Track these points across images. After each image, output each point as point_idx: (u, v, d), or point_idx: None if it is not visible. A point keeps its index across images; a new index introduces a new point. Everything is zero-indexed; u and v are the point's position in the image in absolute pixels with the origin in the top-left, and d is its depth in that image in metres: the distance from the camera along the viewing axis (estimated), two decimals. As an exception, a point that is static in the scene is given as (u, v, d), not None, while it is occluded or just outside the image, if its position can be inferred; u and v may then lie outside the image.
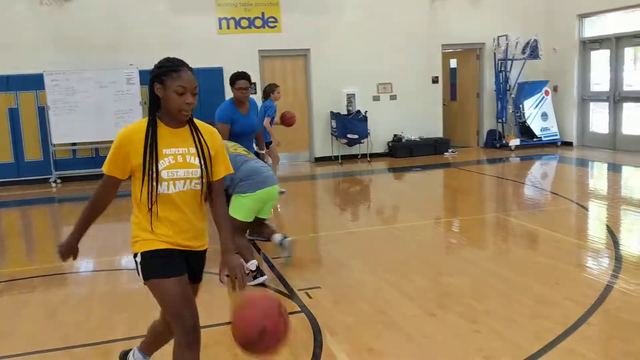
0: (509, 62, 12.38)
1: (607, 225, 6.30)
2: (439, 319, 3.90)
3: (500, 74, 12.59)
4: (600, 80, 12.10)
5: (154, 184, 2.45)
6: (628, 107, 11.45)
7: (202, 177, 2.53)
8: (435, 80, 12.62)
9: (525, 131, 12.58)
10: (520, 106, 12.50)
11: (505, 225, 6.67)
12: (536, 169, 11.07)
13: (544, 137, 12.50)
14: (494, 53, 12.62)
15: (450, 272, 5.00)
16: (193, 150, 2.52)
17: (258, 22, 11.50)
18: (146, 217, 2.50)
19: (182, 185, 2.50)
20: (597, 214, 6.98)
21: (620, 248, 5.34)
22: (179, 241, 2.55)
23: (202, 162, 2.53)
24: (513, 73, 12.50)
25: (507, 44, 12.26)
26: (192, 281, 2.65)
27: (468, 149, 12.96)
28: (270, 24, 11.55)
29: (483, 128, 13.16)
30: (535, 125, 12.50)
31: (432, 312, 4.04)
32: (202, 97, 10.49)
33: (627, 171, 10.00)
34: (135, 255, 2.56)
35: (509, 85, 12.54)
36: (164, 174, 2.46)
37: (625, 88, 11.43)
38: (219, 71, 10.85)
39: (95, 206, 2.62)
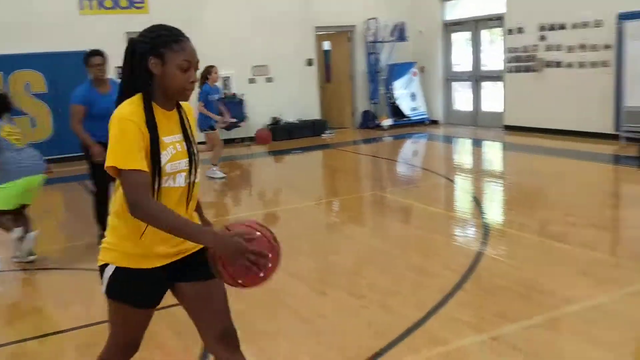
0: (379, 45, 12.83)
1: (473, 197, 6.79)
2: (329, 298, 4.00)
3: (371, 56, 13.01)
4: (460, 61, 12.92)
5: (158, 180, 2.01)
6: (486, 86, 12.36)
7: (191, 166, 2.12)
8: (310, 63, 12.77)
9: (396, 111, 13.14)
10: (391, 87, 13.03)
11: (382, 201, 6.96)
12: (408, 147, 11.64)
13: (413, 116, 13.14)
14: (365, 35, 13.01)
15: (335, 250, 5.13)
16: (182, 136, 2.13)
17: (123, 3, 10.92)
18: (134, 223, 1.98)
19: (183, 179, 2.09)
20: (463, 186, 7.49)
21: (486, 217, 5.78)
22: (168, 250, 2.10)
23: (192, 148, 2.13)
24: (383, 55, 12.98)
25: (377, 26, 12.69)
26: (208, 278, 2.13)
27: (344, 130, 13.31)
28: (137, 5, 11.02)
29: (357, 109, 13.56)
30: (405, 105, 13.10)
31: (321, 291, 4.13)
32: (63, 83, 9.93)
33: (487, 145, 10.83)
34: (105, 265, 2.10)
35: (380, 67, 13.01)
36: (167, 168, 2.03)
37: (483, 68, 12.32)
38: (82, 55, 10.17)
39: (168, 213, 1.95)
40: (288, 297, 4.02)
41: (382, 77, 13.08)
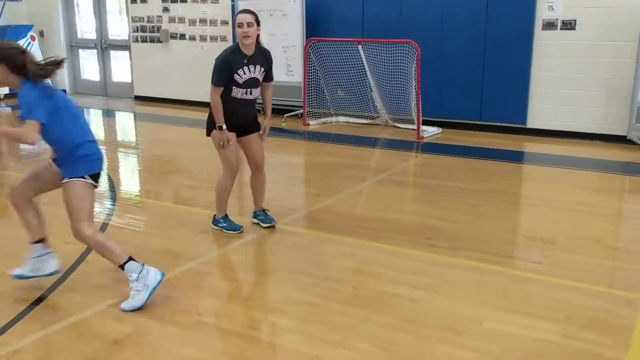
0: (-15, 3, 11.24)
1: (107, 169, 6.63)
2: None
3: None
4: (87, 28, 12.29)
5: None
6: (115, 55, 12.06)
7: None
8: None
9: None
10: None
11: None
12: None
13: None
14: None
15: None
16: None
17: None
18: None
19: None
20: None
21: (119, 188, 5.76)
22: None
23: None
24: (-7, 15, 11.43)
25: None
26: None
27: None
28: None
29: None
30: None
31: None
32: None
33: (118, 116, 10.67)
34: None
35: (-12, 29, 11.42)
36: None
37: (111, 37, 11.97)
38: None
39: None
40: None
41: (-6, 40, 11.50)
